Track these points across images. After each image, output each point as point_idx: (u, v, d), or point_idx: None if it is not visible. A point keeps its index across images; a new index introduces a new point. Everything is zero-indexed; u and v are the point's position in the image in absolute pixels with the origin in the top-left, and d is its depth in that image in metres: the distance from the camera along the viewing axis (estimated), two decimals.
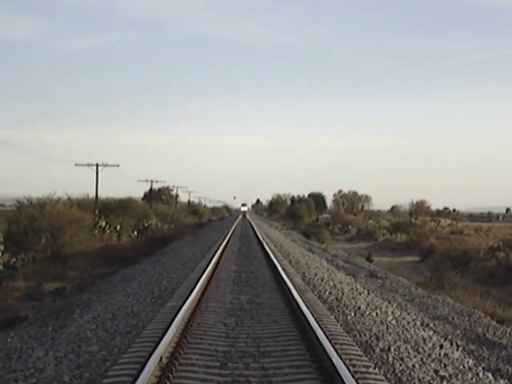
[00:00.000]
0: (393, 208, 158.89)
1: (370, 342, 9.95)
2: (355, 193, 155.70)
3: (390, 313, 13.15)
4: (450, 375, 8.42)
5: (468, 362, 9.46)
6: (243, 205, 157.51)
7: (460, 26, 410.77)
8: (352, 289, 16.81)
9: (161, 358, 7.75)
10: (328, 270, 22.10)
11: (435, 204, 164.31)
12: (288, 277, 16.11)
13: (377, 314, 12.75)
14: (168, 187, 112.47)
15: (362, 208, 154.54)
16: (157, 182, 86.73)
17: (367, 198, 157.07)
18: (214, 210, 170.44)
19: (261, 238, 35.34)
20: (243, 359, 8.55)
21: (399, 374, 8.18)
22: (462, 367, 9.03)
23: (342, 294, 15.34)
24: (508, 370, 9.75)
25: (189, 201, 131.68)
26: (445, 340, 11.21)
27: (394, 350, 9.48)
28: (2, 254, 26.62)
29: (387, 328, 11.28)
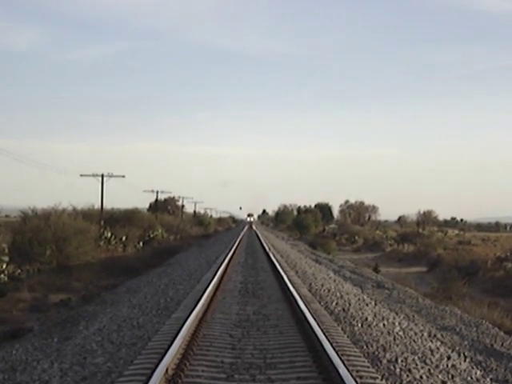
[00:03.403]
0: (400, 218, 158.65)
1: (377, 353, 9.88)
2: (362, 203, 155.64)
3: (397, 324, 13.07)
4: None
5: (476, 373, 9.38)
6: (249, 215, 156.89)
7: (461, 36, 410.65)
8: (359, 300, 16.73)
9: (167, 370, 7.70)
10: (335, 281, 22.01)
11: (442, 214, 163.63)
12: (294, 288, 16.04)
13: (384, 324, 12.67)
14: (174, 198, 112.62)
15: (369, 218, 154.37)
16: (162, 192, 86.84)
17: (374, 209, 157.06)
18: (219, 220, 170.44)
19: (267, 249, 35.27)
20: (249, 371, 8.49)
21: None
22: (469, 378, 8.95)
23: (349, 304, 15.26)
24: None
25: (194, 211, 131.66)
26: (452, 351, 11.13)
27: (402, 361, 9.41)
28: (7, 266, 26.64)
29: (394, 339, 11.20)
